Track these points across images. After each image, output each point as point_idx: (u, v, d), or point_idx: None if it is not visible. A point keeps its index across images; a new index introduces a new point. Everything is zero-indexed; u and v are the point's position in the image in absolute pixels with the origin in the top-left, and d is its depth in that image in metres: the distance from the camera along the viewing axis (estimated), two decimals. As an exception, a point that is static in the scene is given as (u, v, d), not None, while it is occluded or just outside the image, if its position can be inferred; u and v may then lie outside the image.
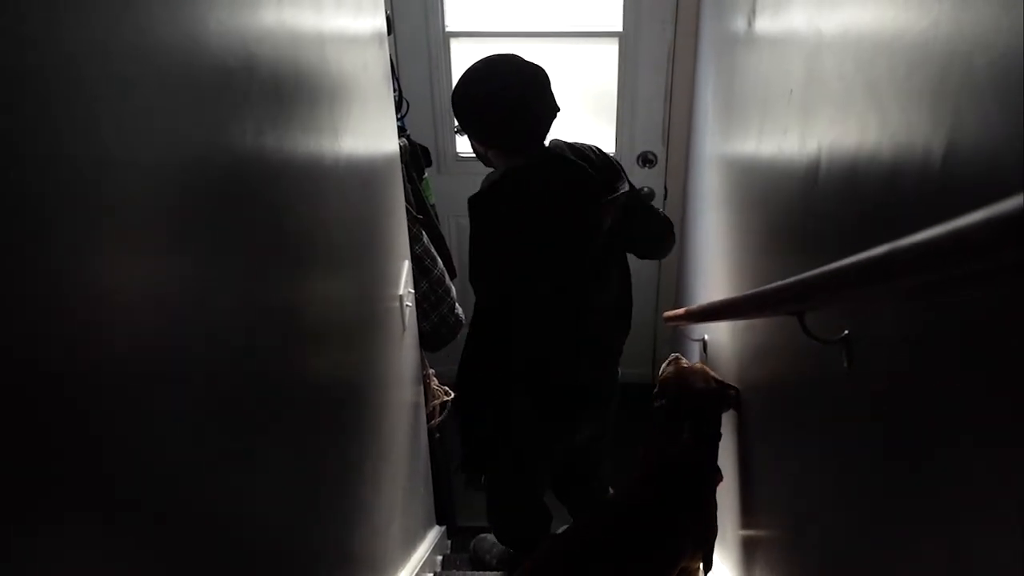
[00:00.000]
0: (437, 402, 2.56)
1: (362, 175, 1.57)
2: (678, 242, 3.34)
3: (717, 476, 1.75)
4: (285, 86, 1.02)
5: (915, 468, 0.82)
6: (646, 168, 3.32)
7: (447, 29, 3.08)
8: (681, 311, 2.18)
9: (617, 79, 3.14)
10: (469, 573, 2.54)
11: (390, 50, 2.14)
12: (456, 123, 1.83)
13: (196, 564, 0.73)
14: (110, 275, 0.58)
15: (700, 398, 1.75)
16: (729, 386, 1.79)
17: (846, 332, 1.00)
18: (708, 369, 1.85)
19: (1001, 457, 0.64)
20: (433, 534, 2.54)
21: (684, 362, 1.88)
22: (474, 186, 1.97)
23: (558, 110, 1.79)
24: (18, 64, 0.46)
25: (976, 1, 0.67)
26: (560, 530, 2.05)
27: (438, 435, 2.64)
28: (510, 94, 1.71)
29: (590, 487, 2.42)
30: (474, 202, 1.78)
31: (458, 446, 1.96)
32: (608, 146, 3.25)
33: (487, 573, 2.51)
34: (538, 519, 2.32)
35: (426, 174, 2.55)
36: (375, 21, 1.81)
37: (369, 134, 1.66)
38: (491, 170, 1.88)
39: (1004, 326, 0.63)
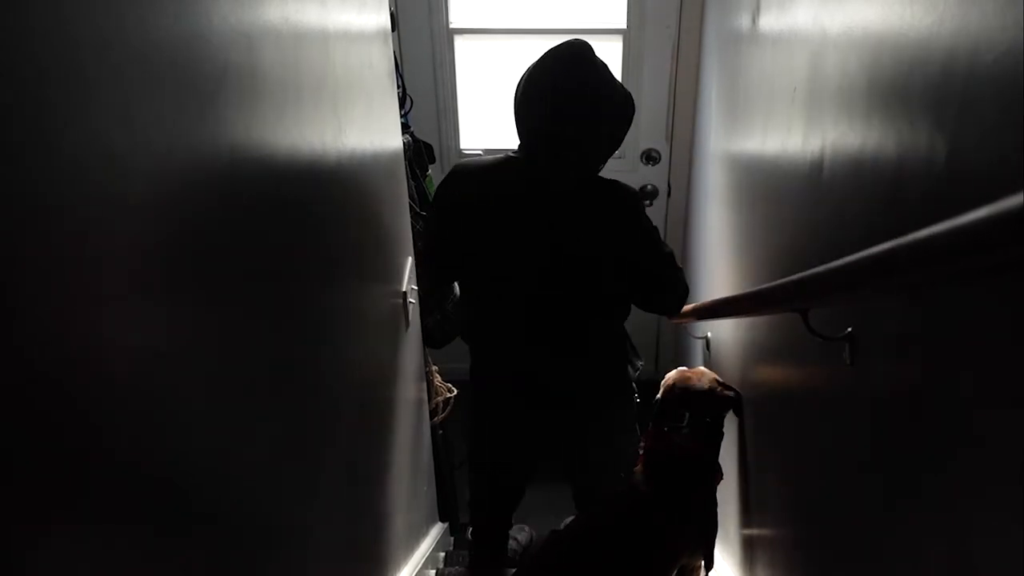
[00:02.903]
0: (440, 399, 2.56)
1: (366, 172, 1.57)
2: (682, 240, 3.35)
3: (717, 474, 1.75)
4: (289, 82, 1.02)
5: (917, 465, 0.82)
6: (649, 165, 3.32)
7: (451, 25, 3.08)
8: (684, 308, 2.18)
9: (620, 77, 3.13)
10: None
11: (394, 46, 2.14)
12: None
13: (194, 559, 0.73)
14: (120, 276, 0.58)
15: (701, 397, 1.76)
16: (728, 387, 1.79)
17: (849, 330, 1.00)
18: (710, 372, 1.86)
19: (1003, 454, 0.64)
20: (436, 530, 2.55)
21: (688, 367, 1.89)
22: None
23: (610, 146, 1.63)
24: (17, 59, 0.46)
25: (981, -2, 0.67)
26: (563, 524, 2.05)
27: (441, 432, 2.64)
28: (558, 82, 1.55)
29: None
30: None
31: (461, 443, 1.96)
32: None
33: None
34: (495, 513, 2.25)
35: (429, 171, 2.55)
36: (379, 17, 1.81)
37: (373, 131, 1.66)
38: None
39: (1006, 322, 0.63)
